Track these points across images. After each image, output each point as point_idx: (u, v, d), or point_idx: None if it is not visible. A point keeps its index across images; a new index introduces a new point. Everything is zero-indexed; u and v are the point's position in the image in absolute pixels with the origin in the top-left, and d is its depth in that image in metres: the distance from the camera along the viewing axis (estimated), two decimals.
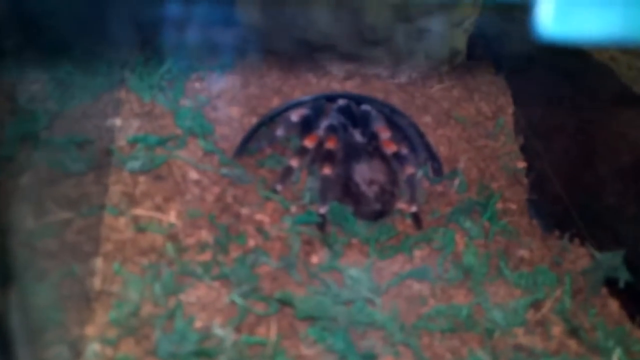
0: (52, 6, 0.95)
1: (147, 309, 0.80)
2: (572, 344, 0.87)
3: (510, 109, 1.28)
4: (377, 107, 1.11)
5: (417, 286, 0.93)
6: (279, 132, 1.09)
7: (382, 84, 1.23)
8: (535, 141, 1.21)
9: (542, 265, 0.98)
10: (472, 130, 1.21)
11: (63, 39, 1.01)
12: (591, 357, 0.86)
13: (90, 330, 0.77)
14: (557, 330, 0.89)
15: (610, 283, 0.96)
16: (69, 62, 0.97)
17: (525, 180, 1.17)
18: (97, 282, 0.82)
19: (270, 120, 1.10)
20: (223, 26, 1.28)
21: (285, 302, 0.84)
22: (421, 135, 1.12)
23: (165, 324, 0.78)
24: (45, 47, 0.96)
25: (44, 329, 0.71)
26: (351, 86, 1.20)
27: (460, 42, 1.32)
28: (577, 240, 1.04)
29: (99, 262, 0.85)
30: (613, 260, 0.95)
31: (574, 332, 0.88)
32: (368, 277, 0.90)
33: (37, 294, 0.71)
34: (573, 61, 1.13)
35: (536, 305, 0.92)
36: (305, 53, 1.24)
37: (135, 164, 0.97)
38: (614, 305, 0.95)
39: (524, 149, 1.22)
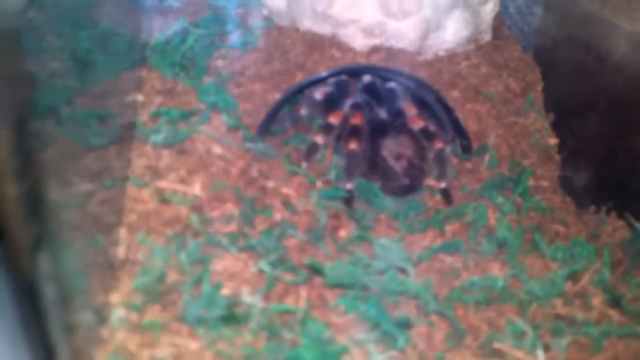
0: None
1: (172, 277, 0.77)
2: (614, 314, 0.84)
3: (539, 86, 1.24)
4: (403, 80, 1.08)
5: (449, 259, 0.90)
6: (303, 111, 1.06)
7: (408, 59, 1.20)
8: (568, 117, 1.17)
9: (579, 238, 0.95)
10: (501, 106, 1.17)
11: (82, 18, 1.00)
12: (636, 326, 0.82)
13: (115, 297, 0.74)
14: (597, 300, 0.85)
15: None
16: (88, 41, 0.96)
17: (557, 157, 1.13)
18: (121, 252, 0.80)
19: (294, 96, 1.07)
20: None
21: (314, 271, 0.81)
22: (450, 111, 1.08)
23: (192, 290, 0.76)
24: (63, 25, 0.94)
25: (70, 296, 0.69)
26: (376, 60, 1.17)
27: (487, 19, 1.30)
28: (614, 214, 1.01)
29: (123, 232, 0.83)
30: None
31: (615, 302, 0.85)
32: (399, 248, 0.87)
33: (62, 262, 0.69)
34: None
35: (574, 277, 0.89)
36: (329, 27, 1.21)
37: (158, 138, 0.95)
38: None
39: (555, 126, 1.18)
